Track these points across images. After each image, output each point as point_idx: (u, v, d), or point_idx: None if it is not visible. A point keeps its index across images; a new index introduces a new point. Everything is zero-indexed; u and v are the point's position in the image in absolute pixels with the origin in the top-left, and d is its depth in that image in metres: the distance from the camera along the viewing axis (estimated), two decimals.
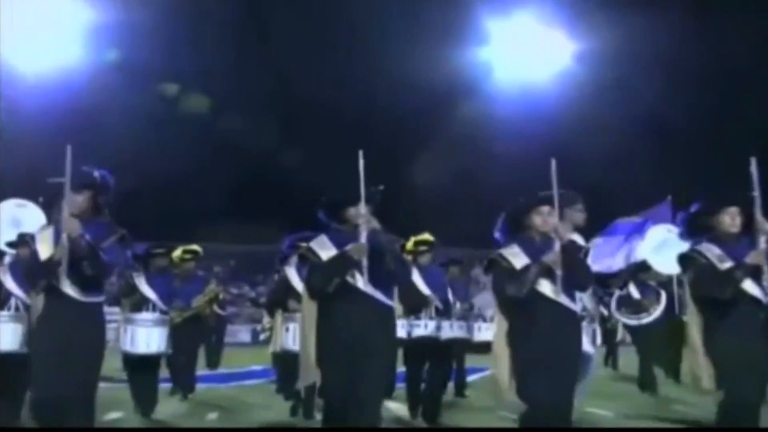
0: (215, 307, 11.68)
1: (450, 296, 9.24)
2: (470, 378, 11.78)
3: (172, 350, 9.37)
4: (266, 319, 11.12)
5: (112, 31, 31.70)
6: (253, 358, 17.30)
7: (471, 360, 11.36)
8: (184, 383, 11.18)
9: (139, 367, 9.17)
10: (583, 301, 6.49)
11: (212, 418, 9.67)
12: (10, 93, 29.28)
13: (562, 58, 35.10)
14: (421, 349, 8.81)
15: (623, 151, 33.69)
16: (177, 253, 11.10)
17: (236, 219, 35.22)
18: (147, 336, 9.01)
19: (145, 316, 9.19)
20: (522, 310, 5.81)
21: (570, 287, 5.83)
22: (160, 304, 9.26)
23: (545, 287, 5.78)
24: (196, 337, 11.30)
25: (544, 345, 5.66)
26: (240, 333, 32.26)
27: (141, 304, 9.30)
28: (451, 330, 8.82)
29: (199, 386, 12.82)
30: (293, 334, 8.63)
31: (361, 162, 6.00)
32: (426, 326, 8.71)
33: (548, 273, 5.76)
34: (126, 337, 9.04)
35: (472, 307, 11.45)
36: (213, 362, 16.45)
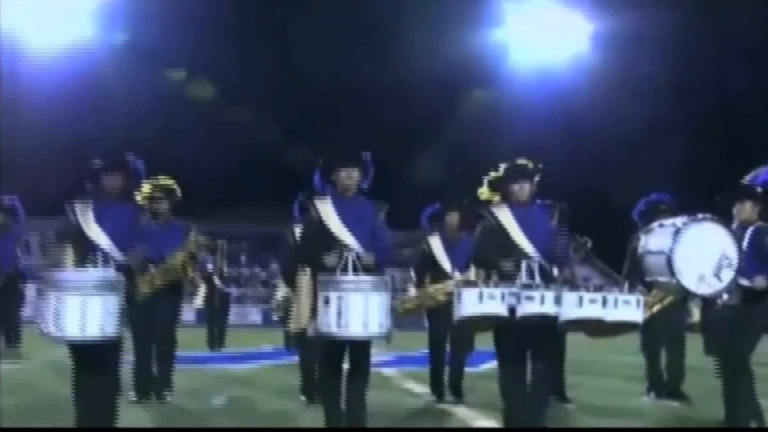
0: (191, 271, 7.92)
1: None
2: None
3: (133, 332, 7.23)
4: (280, 293, 8.53)
5: (122, 11, 31.30)
6: (264, 339, 16.80)
7: None
8: (152, 380, 8.15)
9: (79, 361, 5.88)
10: None
11: (219, 402, 8.58)
12: (19, 71, 28.98)
13: (578, 40, 34.69)
14: None
15: (640, 134, 33.22)
16: (144, 189, 7.52)
17: (248, 200, 34.93)
18: (82, 309, 5.42)
19: (81, 276, 5.67)
20: None
21: None
22: (113, 252, 5.95)
23: None
24: (167, 312, 8.09)
25: None
26: (251, 314, 32.02)
27: (86, 254, 5.97)
28: None
29: (208, 367, 12.36)
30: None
31: None
32: None
33: None
34: (48, 311, 5.51)
35: None
36: (217, 343, 15.79)
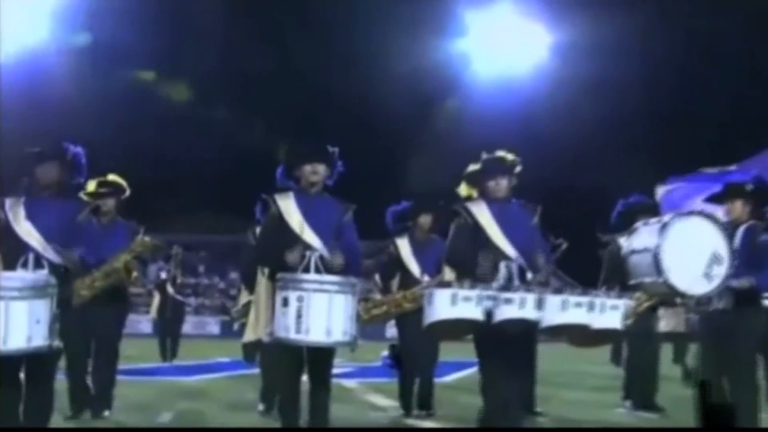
0: (135, 274, 7.04)
1: None
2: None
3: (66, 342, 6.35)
4: (242, 300, 7.91)
5: (81, 12, 30.46)
6: (221, 350, 16.11)
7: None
8: (88, 396, 7.20)
9: (4, 376, 5.13)
10: None
11: (166, 419, 7.58)
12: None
13: (540, 50, 34.60)
14: None
15: (602, 141, 33.22)
16: (90, 186, 7.12)
17: (207, 208, 34.23)
18: (4, 317, 4.77)
19: (9, 281, 4.91)
20: None
21: None
22: (47, 253, 5.30)
23: None
24: (107, 321, 7.10)
25: None
26: (209, 325, 31.31)
27: (15, 255, 5.28)
28: None
29: (157, 380, 11.64)
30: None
31: None
32: None
33: None
34: None
35: None
36: (170, 354, 14.94)
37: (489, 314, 5.18)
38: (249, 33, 32.72)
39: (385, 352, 12.54)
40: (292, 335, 5.02)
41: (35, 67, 29.36)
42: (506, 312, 5.12)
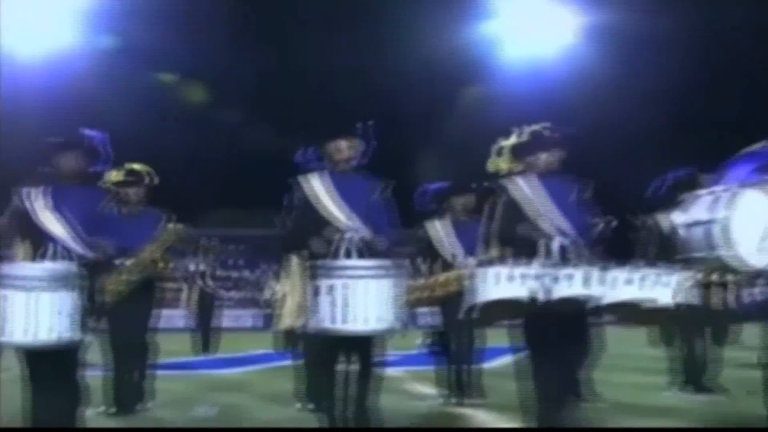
0: (164, 265, 6.76)
1: None
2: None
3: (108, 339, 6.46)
4: (269, 290, 7.55)
5: (110, 14, 30.40)
6: (258, 343, 15.87)
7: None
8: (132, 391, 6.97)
9: (32, 370, 4.93)
10: None
11: (204, 413, 7.30)
12: (8, 78, 28.15)
13: (569, 33, 34.02)
14: None
15: (631, 127, 32.68)
16: (114, 176, 6.77)
17: (243, 203, 34.13)
18: (27, 308, 4.46)
19: (25, 269, 4.72)
20: None
21: None
22: (72, 243, 5.04)
23: None
24: (136, 315, 6.81)
25: None
26: (242, 317, 31.17)
27: (35, 246, 5.05)
28: None
29: (197, 372, 11.44)
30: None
31: None
32: None
33: None
34: None
35: None
36: (204, 347, 14.69)
37: (539, 293, 4.85)
38: (275, 24, 32.51)
39: (424, 340, 12.24)
40: (331, 325, 4.72)
41: (63, 67, 29.36)
42: (559, 290, 4.78)
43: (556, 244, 5.20)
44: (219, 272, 35.50)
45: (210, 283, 15.24)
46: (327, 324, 4.70)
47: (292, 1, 31.74)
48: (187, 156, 31.33)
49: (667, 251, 6.62)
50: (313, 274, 4.82)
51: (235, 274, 36.19)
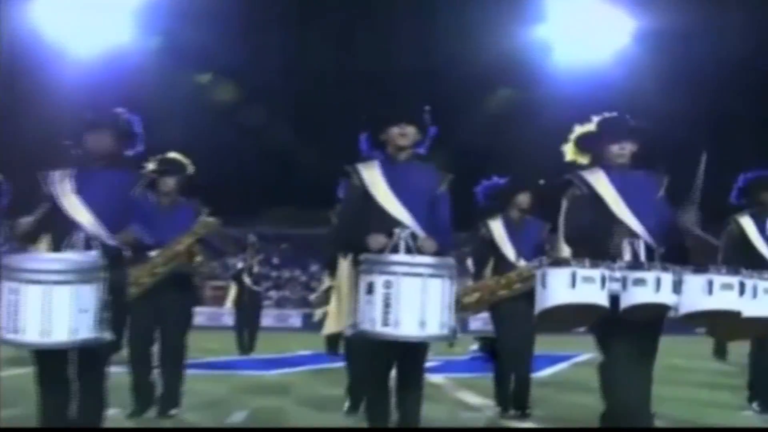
0: (199, 258, 6.24)
1: None
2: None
3: (129, 336, 5.91)
4: (325, 283, 7.28)
5: (160, 13, 30.31)
6: (303, 343, 15.36)
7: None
8: (151, 393, 6.40)
9: (44, 373, 4.44)
10: None
11: (239, 418, 6.69)
12: (58, 74, 28.17)
13: (623, 37, 33.25)
14: None
15: (687, 131, 31.71)
16: (149, 165, 6.26)
17: (289, 202, 33.83)
18: (43, 305, 3.99)
19: (41, 261, 4.24)
20: None
21: None
22: (96, 229, 4.53)
23: None
24: (172, 311, 6.29)
25: None
26: (291, 318, 30.78)
27: (63, 234, 4.52)
28: None
29: (238, 373, 10.93)
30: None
31: None
32: None
33: None
34: (2, 308, 4.09)
35: None
36: (246, 346, 14.09)
37: (615, 299, 4.21)
38: (318, 26, 32.18)
39: (474, 346, 11.62)
40: (380, 328, 4.12)
41: (117, 66, 29.32)
42: (637, 295, 4.13)
43: (626, 245, 4.53)
44: (266, 271, 35.38)
45: (258, 281, 14.76)
46: (379, 327, 4.11)
47: (342, 8, 31.37)
48: (232, 155, 31.10)
49: (744, 257, 5.98)
50: (368, 269, 4.23)
51: (286, 274, 35.83)
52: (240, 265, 14.23)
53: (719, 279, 4.08)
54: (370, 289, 4.16)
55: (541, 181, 7.07)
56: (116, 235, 4.57)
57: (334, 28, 32.24)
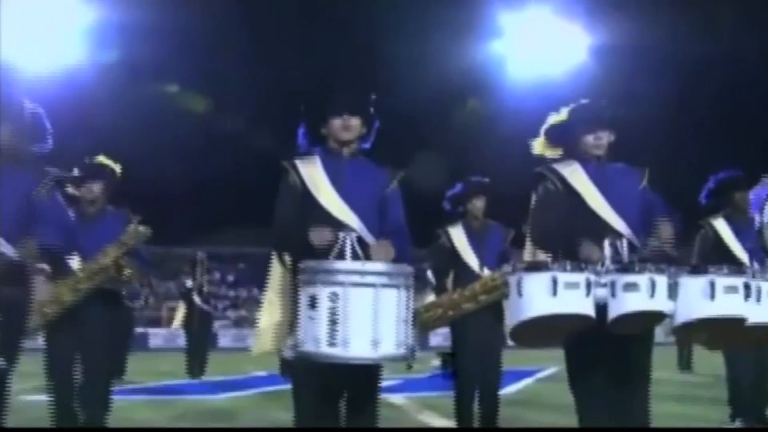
0: (129, 272, 5.38)
1: None
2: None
3: (48, 361, 5.25)
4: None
5: (112, 29, 29.46)
6: (260, 364, 14.52)
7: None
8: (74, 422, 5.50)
9: None
10: None
11: None
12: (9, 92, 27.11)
13: (577, 53, 33.19)
14: None
15: (639, 145, 31.70)
16: (74, 171, 5.54)
17: (245, 221, 33.01)
18: None
19: None
20: None
21: None
22: None
23: None
24: (95, 330, 5.40)
25: None
26: (249, 337, 29.91)
27: None
28: None
29: (186, 398, 10.09)
30: None
31: None
32: None
33: None
34: None
35: None
36: (197, 369, 13.12)
37: (602, 307, 3.54)
38: (273, 42, 31.56)
39: (436, 362, 10.89)
40: (325, 349, 3.37)
41: (69, 83, 28.42)
42: (629, 303, 3.44)
43: (606, 244, 3.86)
44: (223, 290, 34.40)
45: (208, 300, 13.87)
46: (324, 348, 3.37)
47: (295, 17, 30.77)
48: (189, 174, 30.25)
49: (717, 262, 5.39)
50: (310, 279, 3.49)
51: (243, 293, 34.88)
52: (189, 284, 13.32)
53: (722, 281, 3.40)
54: (313, 303, 3.41)
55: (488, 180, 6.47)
56: (16, 246, 3.80)
57: (290, 44, 31.63)
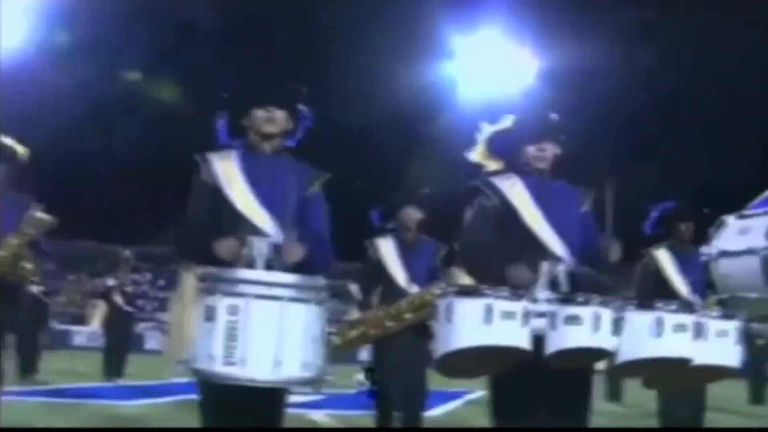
0: (29, 265, 4.85)
1: None
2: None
3: None
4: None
5: (53, 11, 28.48)
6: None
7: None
8: None
9: None
10: None
11: None
12: None
13: (526, 75, 33.43)
14: None
15: (590, 165, 32.15)
16: None
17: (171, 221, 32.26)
18: None
19: None
20: None
21: None
22: None
23: None
24: None
25: None
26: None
27: None
28: None
29: (96, 403, 9.44)
30: None
31: None
32: None
33: None
34: None
35: None
36: (114, 370, 12.41)
37: (538, 339, 3.12)
38: (222, 38, 31.07)
39: (360, 376, 10.42)
40: (220, 368, 2.92)
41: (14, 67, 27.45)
42: (570, 337, 3.04)
43: (545, 271, 3.46)
44: (153, 292, 33.39)
45: (132, 301, 13.21)
46: (219, 367, 2.91)
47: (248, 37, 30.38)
48: (125, 171, 29.40)
49: (665, 295, 5.11)
50: (209, 288, 3.03)
51: (167, 295, 33.90)
52: (110, 282, 12.63)
53: (671, 318, 3.03)
54: (210, 316, 2.95)
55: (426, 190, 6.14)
56: None
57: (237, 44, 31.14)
